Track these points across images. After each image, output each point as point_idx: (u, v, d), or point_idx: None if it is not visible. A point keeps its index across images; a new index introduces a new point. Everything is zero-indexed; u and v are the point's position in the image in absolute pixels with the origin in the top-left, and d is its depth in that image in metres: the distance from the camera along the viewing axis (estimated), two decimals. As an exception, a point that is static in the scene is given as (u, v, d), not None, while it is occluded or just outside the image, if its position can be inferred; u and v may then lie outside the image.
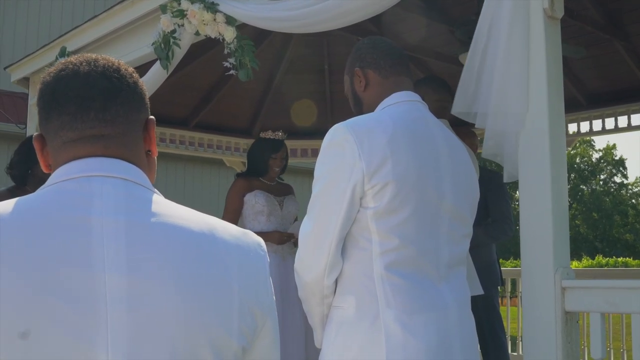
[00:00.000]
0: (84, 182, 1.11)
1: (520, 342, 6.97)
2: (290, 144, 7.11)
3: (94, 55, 1.23)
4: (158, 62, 4.23)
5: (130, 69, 1.25)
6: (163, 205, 1.14)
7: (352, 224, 2.03)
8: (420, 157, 2.05)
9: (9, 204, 1.07)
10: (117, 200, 1.09)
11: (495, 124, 2.60)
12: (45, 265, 0.99)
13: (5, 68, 6.60)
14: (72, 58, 1.22)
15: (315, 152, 7.47)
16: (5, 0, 12.63)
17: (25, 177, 4.60)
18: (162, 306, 1.03)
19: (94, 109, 1.16)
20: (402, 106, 2.16)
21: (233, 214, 4.83)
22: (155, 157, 1.28)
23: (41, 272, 0.99)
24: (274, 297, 1.22)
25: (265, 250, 1.22)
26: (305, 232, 2.07)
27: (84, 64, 1.19)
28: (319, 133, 7.23)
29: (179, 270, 1.06)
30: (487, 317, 4.66)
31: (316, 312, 2.14)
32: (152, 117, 1.26)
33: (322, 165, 2.07)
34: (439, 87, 3.57)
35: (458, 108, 2.66)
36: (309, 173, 13.46)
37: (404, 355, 1.94)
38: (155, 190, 1.18)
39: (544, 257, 2.53)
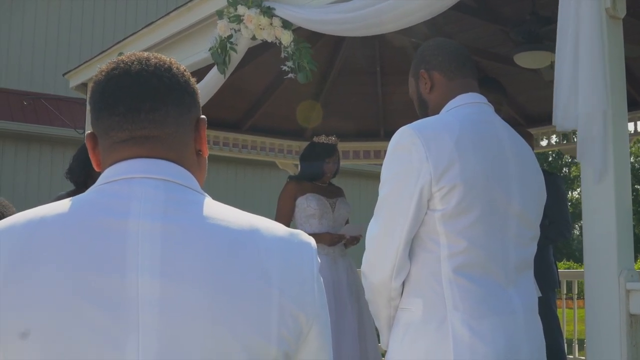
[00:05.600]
0: (125, 185, 1.10)
1: (576, 345, 6.88)
2: (342, 146, 7.13)
3: (146, 54, 1.20)
4: (215, 67, 4.28)
5: (182, 67, 1.23)
6: (205, 207, 1.11)
7: (419, 227, 2.02)
8: (487, 159, 2.04)
9: (55, 206, 1.08)
10: (156, 203, 1.08)
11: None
12: (79, 269, 1.00)
13: (63, 75, 6.75)
14: (124, 57, 1.19)
15: (367, 154, 7.46)
16: (62, 3, 12.91)
17: (86, 181, 4.69)
18: (193, 310, 1.02)
19: (144, 109, 1.14)
20: (468, 108, 2.15)
21: (285, 218, 4.84)
22: (206, 157, 1.25)
23: (75, 276, 1.00)
24: (325, 300, 1.17)
25: (315, 251, 1.17)
26: (373, 234, 2.06)
27: (135, 62, 1.17)
28: (371, 135, 7.24)
29: (213, 273, 1.04)
30: (544, 319, 4.60)
31: (383, 314, 2.12)
32: (203, 116, 1.24)
33: (389, 168, 2.06)
34: (492, 88, 3.55)
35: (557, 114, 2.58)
36: (359, 175, 13.53)
37: (471, 359, 1.93)
38: (201, 191, 1.16)
39: (607, 259, 2.50)
